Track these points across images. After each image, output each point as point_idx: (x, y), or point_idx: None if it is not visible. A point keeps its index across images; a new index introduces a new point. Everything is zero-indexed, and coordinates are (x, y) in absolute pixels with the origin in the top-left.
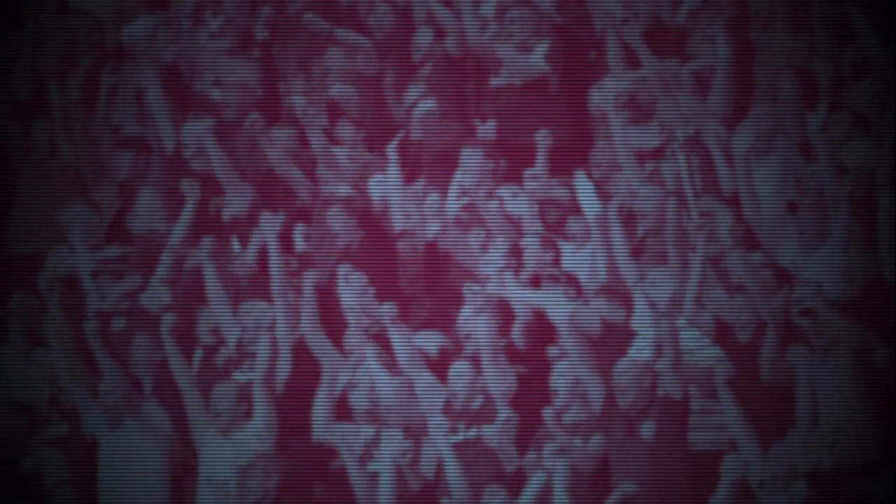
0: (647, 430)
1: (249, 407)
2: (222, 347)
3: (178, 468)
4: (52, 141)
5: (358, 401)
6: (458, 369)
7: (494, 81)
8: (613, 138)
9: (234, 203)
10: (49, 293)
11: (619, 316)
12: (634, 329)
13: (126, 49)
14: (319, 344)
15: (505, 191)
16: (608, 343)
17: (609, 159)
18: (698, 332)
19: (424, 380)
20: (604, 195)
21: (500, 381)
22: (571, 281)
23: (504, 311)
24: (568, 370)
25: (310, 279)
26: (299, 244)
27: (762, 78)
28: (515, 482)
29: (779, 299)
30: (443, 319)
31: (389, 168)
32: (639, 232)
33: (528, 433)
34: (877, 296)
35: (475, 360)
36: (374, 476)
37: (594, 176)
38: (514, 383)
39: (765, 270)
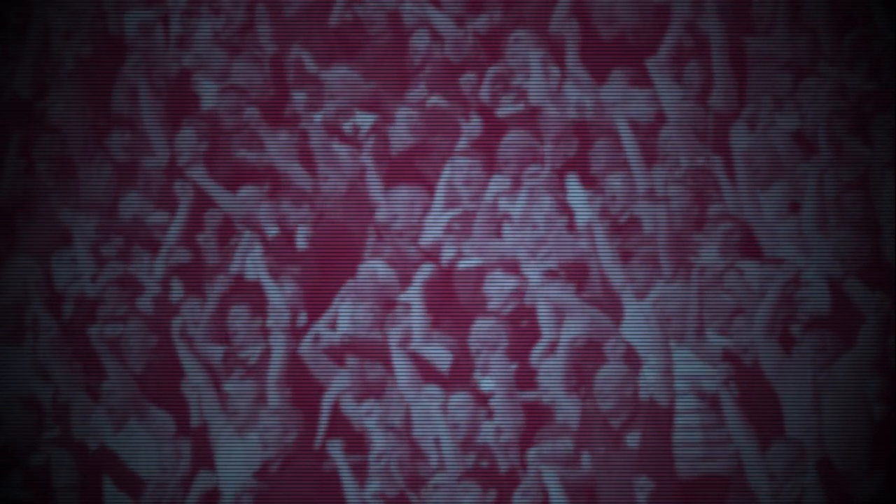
0: (632, 440)
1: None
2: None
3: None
4: (54, 140)
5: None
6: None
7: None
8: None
9: (236, 204)
10: (46, 297)
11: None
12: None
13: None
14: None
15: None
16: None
17: (606, 160)
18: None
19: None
20: (594, 196)
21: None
22: (573, 276)
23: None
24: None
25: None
26: (301, 244)
27: (762, 78)
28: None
29: (781, 299)
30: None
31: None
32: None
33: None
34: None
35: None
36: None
37: (587, 175)
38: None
39: (766, 270)
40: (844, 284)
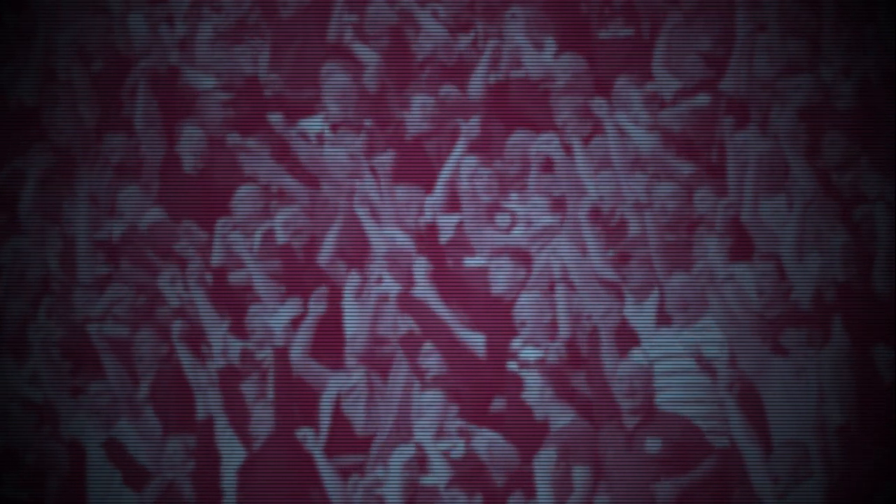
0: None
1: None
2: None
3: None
4: (57, 144)
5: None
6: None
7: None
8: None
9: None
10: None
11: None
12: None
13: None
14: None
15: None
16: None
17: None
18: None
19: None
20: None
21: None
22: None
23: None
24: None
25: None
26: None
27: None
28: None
29: (776, 298)
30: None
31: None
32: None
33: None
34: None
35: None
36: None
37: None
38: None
39: (763, 269)
40: (836, 283)
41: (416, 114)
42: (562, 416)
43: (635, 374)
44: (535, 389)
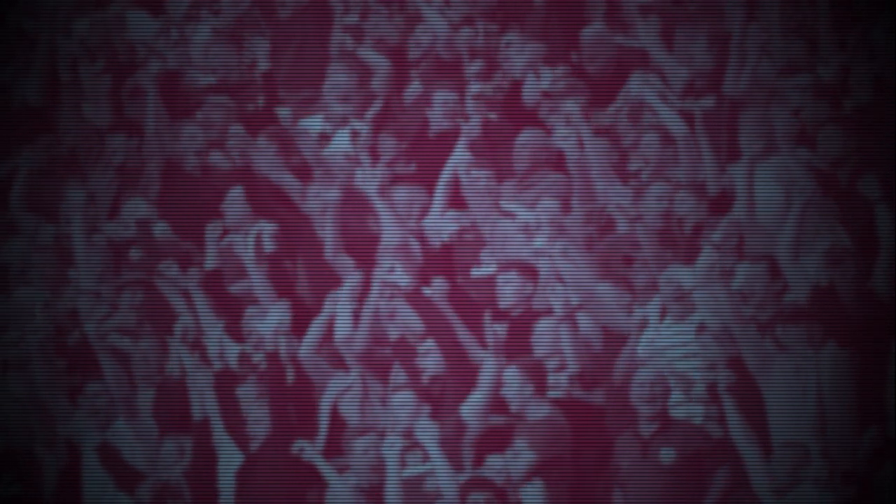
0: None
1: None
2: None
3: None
4: (60, 144)
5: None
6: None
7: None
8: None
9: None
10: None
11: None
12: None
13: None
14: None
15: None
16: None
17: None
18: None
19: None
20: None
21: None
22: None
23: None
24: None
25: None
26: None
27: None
28: None
29: (772, 298)
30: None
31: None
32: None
33: None
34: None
35: None
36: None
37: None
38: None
39: (757, 269)
40: (832, 283)
41: (415, 113)
42: (538, 411)
43: (655, 381)
44: (514, 384)
